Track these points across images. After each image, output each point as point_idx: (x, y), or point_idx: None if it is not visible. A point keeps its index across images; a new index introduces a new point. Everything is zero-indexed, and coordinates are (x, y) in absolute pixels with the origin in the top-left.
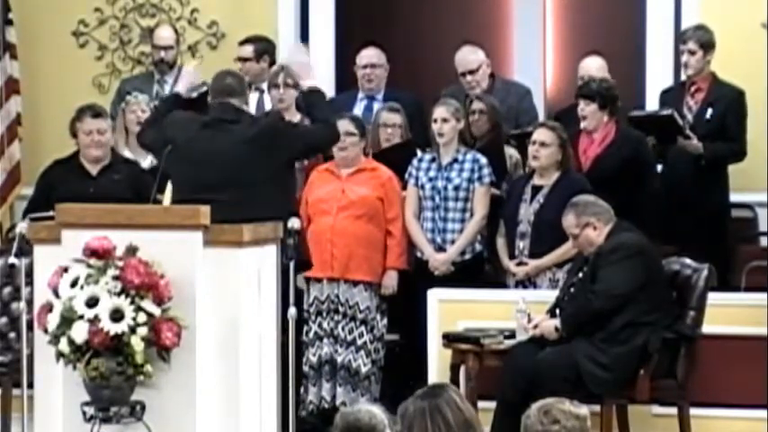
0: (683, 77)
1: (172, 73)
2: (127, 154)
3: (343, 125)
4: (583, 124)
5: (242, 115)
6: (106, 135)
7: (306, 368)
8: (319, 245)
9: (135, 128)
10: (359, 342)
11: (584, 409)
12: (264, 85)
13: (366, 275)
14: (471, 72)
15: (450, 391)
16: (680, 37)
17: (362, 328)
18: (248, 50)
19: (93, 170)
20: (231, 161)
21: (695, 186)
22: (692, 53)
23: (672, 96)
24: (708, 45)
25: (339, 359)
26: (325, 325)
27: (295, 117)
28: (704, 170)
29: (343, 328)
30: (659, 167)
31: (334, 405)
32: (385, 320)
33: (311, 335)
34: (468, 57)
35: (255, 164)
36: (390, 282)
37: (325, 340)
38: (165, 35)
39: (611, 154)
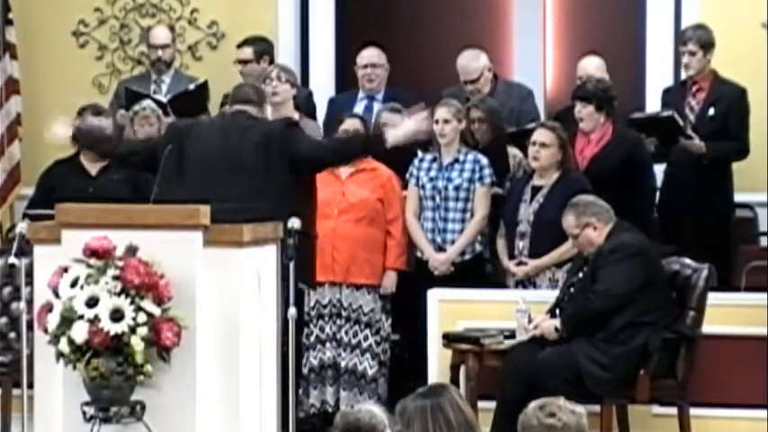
0: (684, 77)
1: (168, 73)
2: None
3: (353, 123)
4: (581, 126)
5: (255, 122)
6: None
7: (305, 371)
8: (320, 249)
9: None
10: (364, 345)
11: (581, 408)
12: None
13: (369, 278)
14: (472, 81)
15: (452, 391)
16: (679, 38)
17: (367, 331)
18: (248, 52)
19: (93, 170)
20: (240, 165)
21: (700, 186)
22: (692, 54)
23: (673, 96)
24: (708, 44)
25: (343, 363)
26: (327, 329)
27: (293, 116)
28: (708, 170)
29: (346, 332)
30: (663, 167)
31: (338, 408)
32: (390, 321)
33: (312, 338)
34: (470, 66)
35: (264, 167)
36: (389, 282)
37: (327, 344)
38: (160, 34)
39: (608, 154)
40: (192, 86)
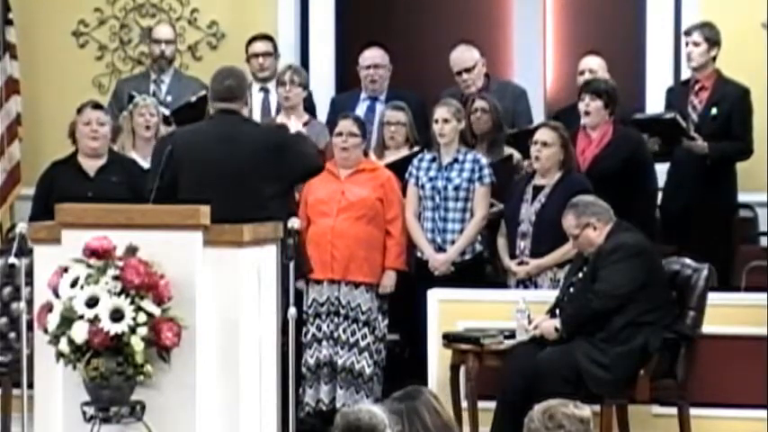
0: (687, 72)
1: (168, 72)
2: (134, 155)
3: (347, 125)
4: (584, 120)
5: (246, 126)
6: (105, 128)
7: (303, 370)
8: (319, 247)
9: (143, 131)
10: (362, 344)
11: (587, 411)
12: (269, 85)
13: (367, 277)
14: (467, 70)
15: (428, 394)
16: (685, 32)
17: (365, 330)
18: (269, 46)
19: (91, 171)
20: (230, 176)
21: (702, 187)
22: (696, 44)
23: (677, 95)
24: (713, 41)
25: (340, 361)
26: (324, 327)
27: (303, 117)
28: (711, 170)
29: (344, 330)
30: (666, 167)
31: (334, 407)
32: (386, 321)
33: (309, 337)
34: (464, 55)
35: (261, 176)
36: (388, 282)
37: (324, 342)
38: (164, 30)
39: (609, 154)
40: (193, 98)
